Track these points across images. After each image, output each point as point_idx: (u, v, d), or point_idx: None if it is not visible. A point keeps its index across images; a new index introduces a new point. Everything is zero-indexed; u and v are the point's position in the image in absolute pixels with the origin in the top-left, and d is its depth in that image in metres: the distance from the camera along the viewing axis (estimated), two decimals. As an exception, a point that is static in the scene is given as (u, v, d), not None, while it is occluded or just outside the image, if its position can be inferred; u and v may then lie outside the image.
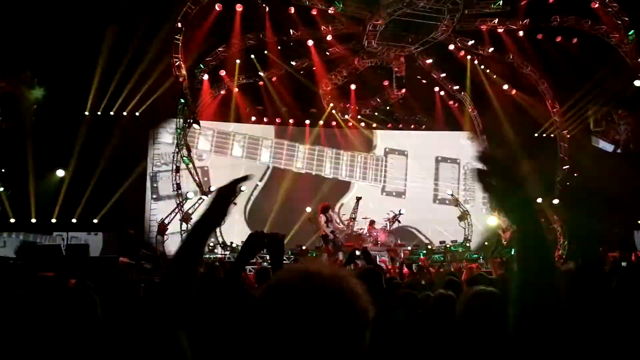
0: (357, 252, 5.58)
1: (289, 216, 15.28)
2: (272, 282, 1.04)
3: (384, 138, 17.17)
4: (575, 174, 15.25)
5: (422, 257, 12.60)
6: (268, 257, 2.30)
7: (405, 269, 7.55)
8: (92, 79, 13.15)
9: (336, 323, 0.95)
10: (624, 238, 13.24)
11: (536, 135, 16.51)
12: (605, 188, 13.75)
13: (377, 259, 11.47)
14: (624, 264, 6.59)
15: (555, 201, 14.85)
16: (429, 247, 15.08)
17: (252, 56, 14.25)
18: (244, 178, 1.66)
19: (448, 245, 14.95)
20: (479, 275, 5.06)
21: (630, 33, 13.08)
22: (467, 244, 15.57)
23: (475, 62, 15.49)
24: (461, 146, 17.41)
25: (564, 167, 15.26)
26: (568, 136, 15.52)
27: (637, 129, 16.22)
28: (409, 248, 14.30)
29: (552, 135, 16.05)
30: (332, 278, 0.99)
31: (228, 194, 1.55)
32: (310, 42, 14.06)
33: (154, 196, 14.72)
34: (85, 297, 2.27)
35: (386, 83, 15.76)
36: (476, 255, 14.27)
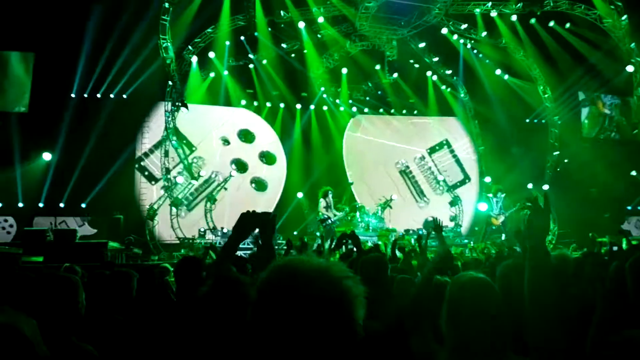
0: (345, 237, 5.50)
1: (280, 202, 15.22)
2: (264, 278, 1.08)
3: (374, 122, 17.05)
4: (566, 160, 15.30)
5: (413, 241, 12.62)
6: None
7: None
8: (78, 61, 12.85)
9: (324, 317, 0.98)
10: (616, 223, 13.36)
11: (527, 120, 16.51)
12: (595, 174, 13.83)
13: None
14: (615, 248, 6.62)
15: (545, 187, 14.90)
16: (420, 232, 15.10)
17: (242, 38, 14.00)
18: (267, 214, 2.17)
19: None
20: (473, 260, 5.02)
21: (623, 18, 13.03)
22: (458, 229, 15.64)
23: (468, 46, 15.38)
24: (452, 131, 17.38)
25: (555, 153, 15.29)
26: (559, 122, 15.52)
27: (628, 114, 16.28)
28: (401, 233, 14.30)
29: (543, 121, 16.06)
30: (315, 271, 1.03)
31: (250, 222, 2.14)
32: (301, 24, 13.82)
33: (143, 181, 14.53)
34: (67, 282, 2.17)
35: (378, 67, 15.61)
36: (467, 240, 14.32)
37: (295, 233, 13.87)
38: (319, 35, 14.30)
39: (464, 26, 14.54)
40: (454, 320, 1.77)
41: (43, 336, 2.00)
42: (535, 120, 16.46)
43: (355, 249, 4.27)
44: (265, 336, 1.01)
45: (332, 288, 1.01)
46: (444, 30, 14.60)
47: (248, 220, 2.20)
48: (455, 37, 15.00)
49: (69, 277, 2.28)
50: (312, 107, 15.76)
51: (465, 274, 2.07)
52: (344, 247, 6.06)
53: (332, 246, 5.77)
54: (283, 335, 0.99)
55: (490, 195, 13.83)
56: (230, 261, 2.39)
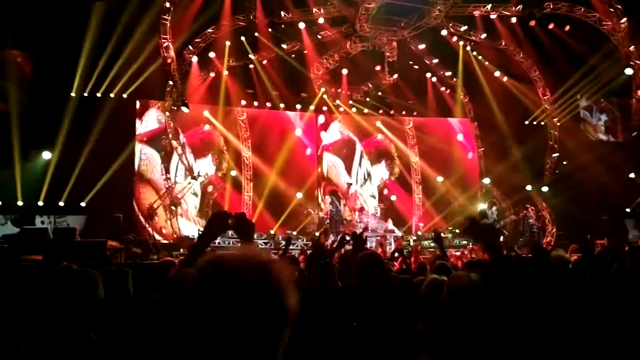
0: (347, 237, 5.49)
1: (278, 201, 15.21)
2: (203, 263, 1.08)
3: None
4: (565, 162, 15.33)
5: (412, 243, 12.67)
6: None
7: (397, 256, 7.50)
8: (78, 60, 12.84)
9: (253, 314, 0.98)
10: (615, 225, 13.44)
11: (527, 122, 16.54)
12: (594, 176, 13.87)
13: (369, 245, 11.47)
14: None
15: (545, 188, 14.94)
16: (419, 233, 15.14)
17: (243, 38, 14.01)
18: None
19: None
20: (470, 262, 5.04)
21: (622, 21, 13.07)
22: (457, 230, 15.65)
23: (468, 48, 15.41)
24: (451, 133, 17.38)
25: (554, 155, 15.32)
26: (558, 124, 15.56)
27: (626, 116, 16.30)
28: (399, 235, 14.33)
29: (542, 123, 16.10)
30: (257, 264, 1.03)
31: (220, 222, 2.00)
32: (301, 25, 13.84)
33: (143, 180, 14.51)
34: (86, 276, 2.17)
35: (378, 68, 15.62)
36: (466, 242, 14.33)
37: (294, 233, 13.88)
38: (319, 36, 14.31)
39: (463, 28, 14.58)
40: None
41: (61, 331, 2.00)
42: (535, 122, 16.49)
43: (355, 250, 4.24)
44: (199, 325, 1.02)
45: (258, 273, 1.03)
46: (444, 32, 14.64)
47: (220, 221, 2.03)
48: (455, 39, 15.03)
49: (88, 272, 2.23)
50: (312, 108, 15.78)
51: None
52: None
53: (335, 246, 5.75)
54: (216, 323, 1.00)
55: (486, 206, 14.10)
56: (194, 263, 2.23)
